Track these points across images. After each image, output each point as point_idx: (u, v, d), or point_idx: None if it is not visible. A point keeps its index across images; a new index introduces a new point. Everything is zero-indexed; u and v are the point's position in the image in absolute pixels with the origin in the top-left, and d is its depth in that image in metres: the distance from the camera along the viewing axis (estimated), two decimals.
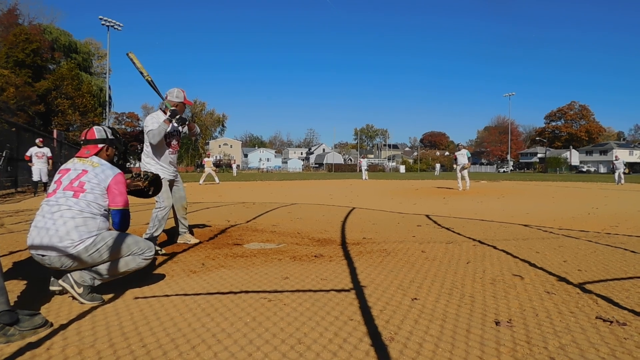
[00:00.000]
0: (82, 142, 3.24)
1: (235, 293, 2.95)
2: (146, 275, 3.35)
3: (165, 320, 2.44)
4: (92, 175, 2.95)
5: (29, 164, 14.54)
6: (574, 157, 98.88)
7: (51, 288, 2.90)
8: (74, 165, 3.06)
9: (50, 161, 15.09)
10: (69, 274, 2.79)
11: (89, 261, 2.79)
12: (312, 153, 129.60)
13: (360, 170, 36.26)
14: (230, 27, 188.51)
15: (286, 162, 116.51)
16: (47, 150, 15.10)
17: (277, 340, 2.15)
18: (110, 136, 3.27)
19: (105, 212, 2.96)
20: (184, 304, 2.72)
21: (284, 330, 2.27)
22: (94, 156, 3.14)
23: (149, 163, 4.68)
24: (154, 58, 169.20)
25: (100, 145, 3.20)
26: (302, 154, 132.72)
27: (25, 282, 3.28)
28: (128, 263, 2.91)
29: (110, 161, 3.25)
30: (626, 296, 2.88)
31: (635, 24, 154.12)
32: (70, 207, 2.80)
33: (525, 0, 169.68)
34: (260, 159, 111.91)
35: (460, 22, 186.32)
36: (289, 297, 2.84)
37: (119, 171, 3.10)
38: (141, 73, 4.46)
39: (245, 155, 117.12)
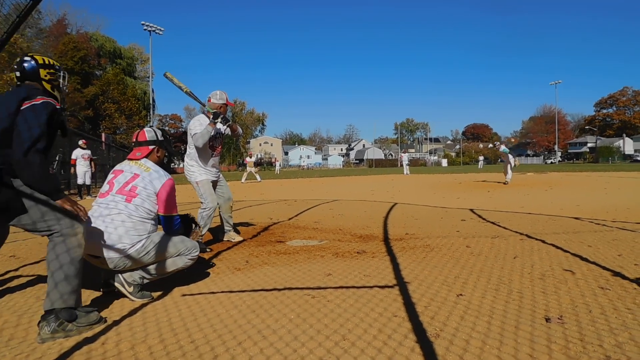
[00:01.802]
0: (133, 144, 3.33)
1: (279, 290, 2.99)
2: (192, 273, 3.43)
3: (212, 316, 2.50)
4: (143, 181, 3.02)
5: (72, 169, 14.41)
6: (628, 145, 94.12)
7: (103, 289, 3.03)
8: (126, 167, 3.14)
9: (93, 163, 14.91)
10: (119, 274, 2.90)
11: (140, 263, 2.89)
12: (352, 149, 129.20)
13: (402, 165, 35.76)
14: (268, 26, 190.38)
15: (326, 159, 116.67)
16: (90, 152, 14.90)
17: (322, 336, 2.16)
18: (160, 137, 3.35)
19: (155, 216, 3.04)
20: (229, 301, 2.78)
21: (328, 327, 2.28)
22: (146, 159, 3.22)
23: (192, 165, 4.84)
24: (194, 59, 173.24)
25: (151, 147, 3.27)
26: (342, 150, 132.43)
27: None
28: (176, 262, 2.99)
29: (160, 162, 3.33)
30: None
31: None
32: (121, 211, 2.87)
33: None
34: (301, 157, 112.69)
35: (501, 14, 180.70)
36: (333, 294, 2.85)
37: (169, 177, 3.16)
38: (180, 88, 4.57)
39: (286, 153, 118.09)
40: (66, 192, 15.53)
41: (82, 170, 14.15)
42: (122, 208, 2.89)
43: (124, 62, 60.42)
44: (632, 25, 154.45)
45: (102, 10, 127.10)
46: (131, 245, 2.82)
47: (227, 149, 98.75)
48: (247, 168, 25.29)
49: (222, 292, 3.01)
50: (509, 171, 15.73)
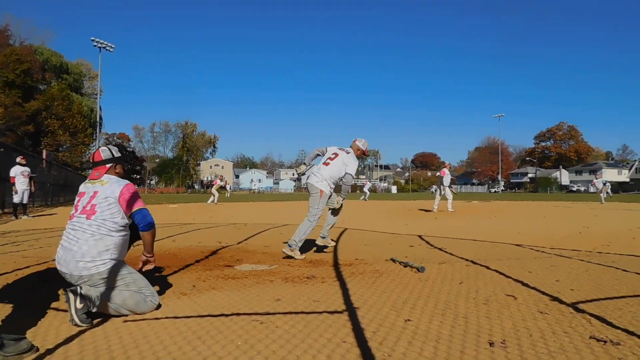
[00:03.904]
0: (91, 165, 3.40)
1: (227, 315, 2.91)
2: None
3: (155, 343, 2.40)
4: (103, 193, 3.12)
5: (13, 188, 13.33)
6: (564, 176, 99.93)
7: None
8: (87, 188, 3.24)
9: (33, 181, 13.96)
10: (78, 287, 2.81)
11: (103, 284, 2.94)
12: (303, 174, 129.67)
13: (362, 191, 37.40)
14: (220, 48, 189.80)
15: (278, 183, 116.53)
16: (29, 170, 13.97)
17: None
18: (116, 154, 3.40)
19: (123, 227, 3.12)
20: (174, 327, 2.68)
21: (276, 353, 2.23)
22: (105, 175, 3.28)
23: (324, 180, 5.65)
24: (146, 78, 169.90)
25: (108, 165, 3.34)
26: (293, 174, 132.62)
27: (11, 305, 3.21)
28: (137, 303, 2.96)
29: (123, 177, 3.39)
30: (619, 315, 2.88)
31: (622, 44, 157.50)
32: (85, 230, 3.00)
33: (513, 20, 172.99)
34: (252, 180, 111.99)
35: (449, 42, 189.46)
36: (281, 319, 2.81)
37: (127, 182, 3.25)
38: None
39: (237, 176, 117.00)
40: (5, 211, 14.50)
41: (21, 189, 13.30)
42: (86, 227, 3.01)
43: (71, 77, 58.43)
44: (568, 63, 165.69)
45: (49, 24, 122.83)
46: (100, 261, 2.93)
47: (176, 170, 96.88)
48: (213, 190, 25.23)
49: (167, 317, 2.89)
50: (445, 198, 15.73)
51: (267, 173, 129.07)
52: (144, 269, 3.34)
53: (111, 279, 2.96)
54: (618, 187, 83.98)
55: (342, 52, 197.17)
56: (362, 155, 6.01)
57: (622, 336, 2.47)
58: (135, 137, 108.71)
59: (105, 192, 3.12)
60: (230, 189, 51.44)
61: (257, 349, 2.30)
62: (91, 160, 3.42)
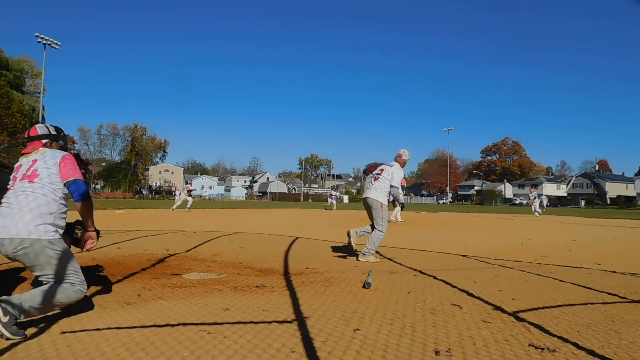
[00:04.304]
0: (26, 140, 3.31)
1: (173, 325, 2.83)
2: (75, 307, 3.15)
3: (96, 356, 2.30)
4: (42, 161, 3.05)
5: None
6: (508, 190, 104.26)
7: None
8: (23, 161, 3.14)
9: None
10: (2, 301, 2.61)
11: (40, 257, 2.78)
12: (255, 181, 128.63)
13: (327, 200, 36.74)
14: (173, 53, 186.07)
15: (229, 190, 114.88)
16: None
17: None
18: (53, 132, 3.34)
19: (63, 197, 3.02)
20: (117, 338, 2.58)
21: None
22: (41, 148, 3.21)
23: (383, 192, 6.29)
24: (93, 77, 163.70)
25: (44, 141, 3.27)
26: (245, 182, 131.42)
27: None
28: (67, 292, 2.80)
29: None
30: (555, 323, 3.03)
31: (559, 65, 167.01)
32: (28, 194, 2.90)
33: (462, 39, 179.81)
34: (203, 187, 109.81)
35: (400, 56, 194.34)
36: (230, 329, 2.76)
37: (67, 153, 3.20)
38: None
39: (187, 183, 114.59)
40: None
41: None
42: (28, 190, 2.92)
43: (11, 74, 55.33)
44: (512, 81, 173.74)
45: None
46: (42, 224, 2.81)
47: (123, 174, 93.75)
48: (186, 196, 24.75)
49: (109, 328, 2.78)
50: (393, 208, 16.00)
51: (219, 180, 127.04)
52: (86, 246, 3.20)
53: (49, 256, 2.79)
54: (556, 201, 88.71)
55: (294, 65, 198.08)
56: (405, 163, 6.68)
57: (558, 343, 2.60)
58: (80, 139, 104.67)
59: (44, 159, 3.07)
60: (180, 194, 50.23)
61: None
62: (26, 136, 3.33)
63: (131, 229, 11.06)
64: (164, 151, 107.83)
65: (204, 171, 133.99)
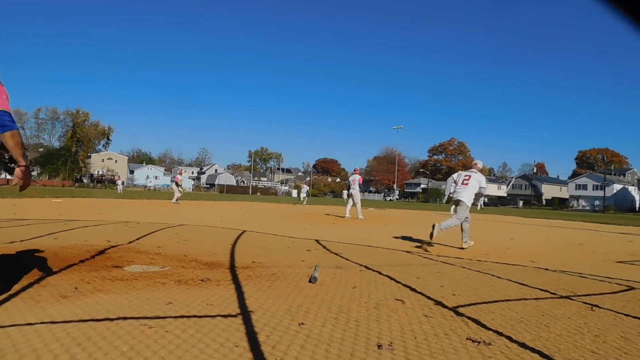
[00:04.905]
0: None
1: (112, 320, 2.74)
2: (4, 301, 2.98)
3: (27, 352, 2.18)
4: None
5: None
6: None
7: None
8: None
9: None
10: None
11: None
12: (203, 173, 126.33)
13: (298, 196, 35.91)
14: (119, 36, 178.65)
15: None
16: None
17: None
18: None
19: None
20: (50, 333, 2.46)
21: (165, 359, 2.15)
22: None
23: (471, 198, 8.05)
24: (33, 58, 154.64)
25: None
26: (193, 173, 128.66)
27: None
28: None
29: None
30: (492, 318, 3.17)
31: (505, 78, 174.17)
32: None
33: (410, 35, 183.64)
34: (148, 177, 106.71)
35: (352, 51, 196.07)
36: (172, 324, 2.70)
37: None
38: None
39: (132, 172, 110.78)
40: None
41: None
42: None
43: None
44: (459, 84, 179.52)
45: None
46: None
47: (62, 161, 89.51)
48: (174, 186, 23.22)
49: (42, 322, 2.65)
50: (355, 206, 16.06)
51: (165, 170, 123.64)
52: (16, 180, 3.01)
53: None
54: (497, 201, 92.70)
55: (245, 54, 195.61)
56: (482, 170, 8.54)
57: (493, 337, 2.72)
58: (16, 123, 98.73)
59: None
60: (123, 184, 48.58)
61: (144, 355, 2.19)
62: None
63: (70, 218, 10.59)
64: (108, 139, 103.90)
65: (149, 161, 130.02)
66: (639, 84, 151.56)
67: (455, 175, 8.50)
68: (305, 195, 34.52)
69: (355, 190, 15.85)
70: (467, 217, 8.00)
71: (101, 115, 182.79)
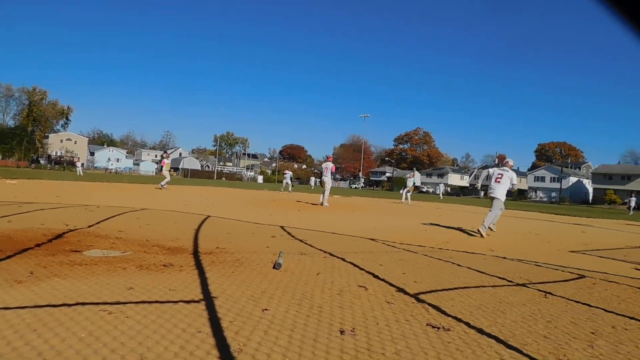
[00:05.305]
0: None
1: (70, 305, 2.67)
2: None
3: None
4: None
5: None
6: (417, 178, 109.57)
7: None
8: None
9: None
10: None
11: None
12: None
13: (281, 182, 33.70)
14: (81, 15, 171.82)
15: (138, 164, 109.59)
16: None
17: (116, 356, 1.99)
18: None
19: None
20: (4, 319, 2.37)
21: (125, 345, 2.11)
22: None
23: (504, 194, 9.31)
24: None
25: None
26: (156, 156, 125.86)
27: None
28: None
29: None
30: (451, 305, 3.26)
31: (466, 69, 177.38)
32: None
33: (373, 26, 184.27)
34: (109, 159, 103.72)
35: (319, 38, 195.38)
36: (133, 309, 2.66)
37: None
38: None
39: (92, 154, 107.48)
40: None
41: None
42: None
43: None
44: (425, 74, 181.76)
45: None
46: None
47: (17, 141, 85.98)
48: (164, 172, 21.70)
49: None
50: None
51: (127, 152, 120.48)
52: None
53: None
54: (459, 191, 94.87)
55: (212, 37, 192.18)
56: (512, 167, 9.54)
57: (452, 323, 2.80)
58: None
59: None
60: (82, 166, 47.06)
61: (103, 341, 2.14)
62: None
63: (25, 200, 10.20)
64: (67, 119, 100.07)
65: (111, 142, 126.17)
66: (600, 78, 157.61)
67: (490, 171, 9.67)
68: (288, 181, 32.27)
69: (327, 177, 15.92)
70: (501, 208, 9.30)
71: (60, 94, 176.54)
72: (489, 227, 9.11)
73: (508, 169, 9.32)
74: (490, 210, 9.18)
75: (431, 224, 11.43)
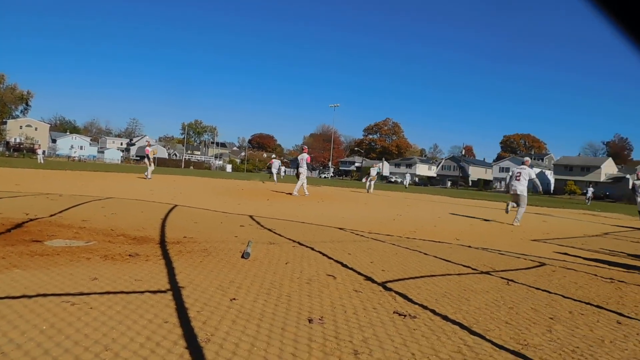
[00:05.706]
0: None
1: (30, 297, 2.59)
2: None
3: None
4: None
5: None
6: (385, 168, 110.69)
7: None
8: None
9: None
10: None
11: None
12: (133, 144, 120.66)
13: (270, 172, 30.88)
14: (39, 3, 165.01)
15: (103, 152, 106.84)
16: None
17: (80, 348, 1.94)
18: None
19: None
20: None
21: (89, 337, 2.06)
22: None
23: (526, 190, 10.70)
24: None
25: None
26: (122, 144, 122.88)
27: None
28: None
29: None
30: (418, 292, 3.33)
31: (435, 59, 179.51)
32: None
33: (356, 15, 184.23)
34: (72, 146, 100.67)
35: (288, 27, 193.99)
36: (97, 300, 2.60)
37: None
38: None
39: (54, 141, 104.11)
40: None
41: None
42: None
43: None
44: (395, 65, 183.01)
45: None
46: None
47: None
48: (149, 159, 20.49)
49: None
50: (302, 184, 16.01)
51: (92, 140, 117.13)
52: None
53: None
54: (427, 181, 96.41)
55: (182, 27, 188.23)
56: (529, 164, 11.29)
57: (418, 310, 2.86)
58: None
59: None
60: (44, 154, 45.51)
61: (65, 333, 2.09)
62: None
63: None
64: (27, 104, 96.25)
65: (74, 130, 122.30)
66: (566, 69, 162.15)
67: (514, 170, 11.12)
68: (276, 171, 29.41)
69: (303, 168, 16.00)
70: (523, 205, 10.64)
71: (19, 78, 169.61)
72: (514, 222, 10.46)
73: (525, 167, 10.82)
74: (519, 207, 10.63)
75: (398, 214, 11.59)
